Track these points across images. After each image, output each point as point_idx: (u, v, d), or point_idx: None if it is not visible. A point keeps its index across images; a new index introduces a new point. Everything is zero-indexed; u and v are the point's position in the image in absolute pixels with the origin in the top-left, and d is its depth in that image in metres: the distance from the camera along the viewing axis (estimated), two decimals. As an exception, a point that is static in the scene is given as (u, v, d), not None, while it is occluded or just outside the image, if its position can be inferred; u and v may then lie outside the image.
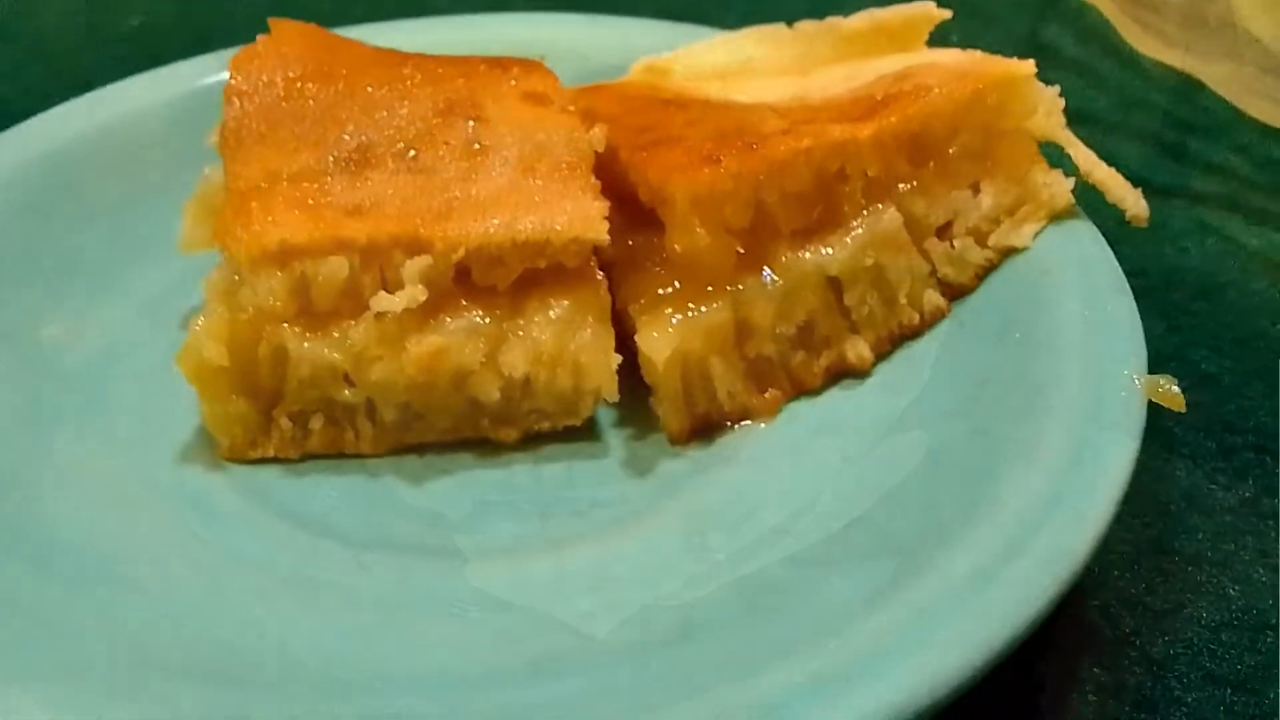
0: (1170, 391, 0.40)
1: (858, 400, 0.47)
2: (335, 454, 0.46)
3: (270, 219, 0.44)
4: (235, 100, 0.49)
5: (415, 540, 0.42)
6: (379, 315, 0.44)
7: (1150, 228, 0.50)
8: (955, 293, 0.49)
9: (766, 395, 0.47)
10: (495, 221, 0.44)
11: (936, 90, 0.47)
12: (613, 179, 0.49)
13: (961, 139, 0.48)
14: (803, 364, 0.48)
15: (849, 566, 0.39)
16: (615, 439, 0.48)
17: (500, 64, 0.53)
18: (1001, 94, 0.48)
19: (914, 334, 0.49)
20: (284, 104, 0.49)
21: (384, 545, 0.42)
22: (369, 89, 0.50)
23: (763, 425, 0.47)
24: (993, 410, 0.42)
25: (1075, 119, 0.50)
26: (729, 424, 0.47)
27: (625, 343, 0.46)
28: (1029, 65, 0.48)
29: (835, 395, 0.48)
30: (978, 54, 0.50)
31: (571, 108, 0.51)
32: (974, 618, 0.34)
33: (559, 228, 0.45)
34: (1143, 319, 0.43)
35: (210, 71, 0.61)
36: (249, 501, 0.44)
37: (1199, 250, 0.64)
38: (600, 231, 0.45)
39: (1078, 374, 0.41)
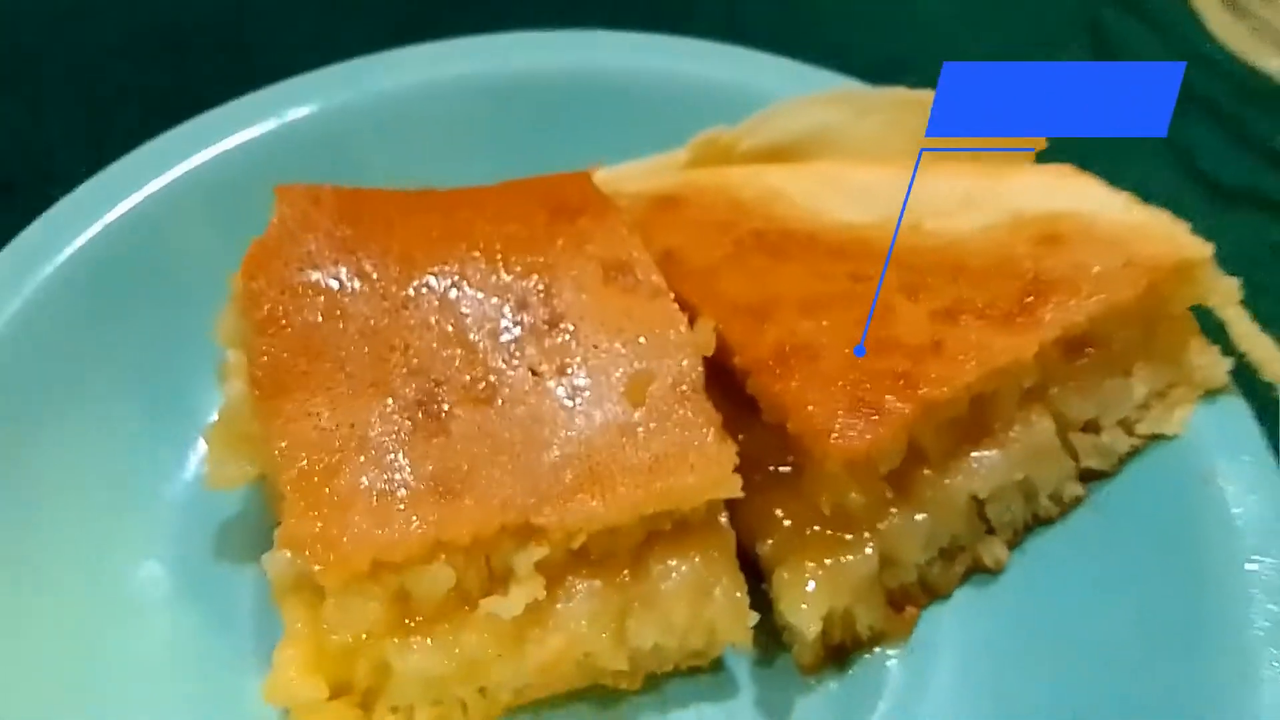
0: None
1: (993, 611, 0.44)
2: (443, 729, 0.42)
3: (350, 519, 0.36)
4: (262, 328, 0.39)
5: None
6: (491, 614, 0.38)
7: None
8: (1094, 478, 0.45)
9: (902, 615, 0.44)
10: (616, 492, 0.38)
11: (1109, 296, 0.40)
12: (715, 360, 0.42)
13: (1126, 331, 0.42)
14: (940, 575, 0.44)
15: None
16: (740, 666, 0.44)
17: (563, 211, 0.44)
18: (1175, 284, 0.42)
19: (1047, 522, 0.45)
20: (321, 325, 0.40)
21: None
22: (422, 291, 0.41)
23: (896, 653, 0.44)
24: (1145, 670, 0.40)
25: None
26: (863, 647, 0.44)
27: (744, 553, 0.42)
28: (1206, 249, 0.42)
29: (968, 602, 0.45)
30: (1134, 209, 0.44)
31: (666, 291, 0.42)
32: None
33: (690, 489, 0.38)
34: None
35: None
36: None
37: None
38: (735, 487, 0.39)
39: (1256, 662, 0.38)
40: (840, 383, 0.39)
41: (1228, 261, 0.49)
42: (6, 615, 0.41)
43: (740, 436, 0.42)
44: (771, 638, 0.43)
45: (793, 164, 0.50)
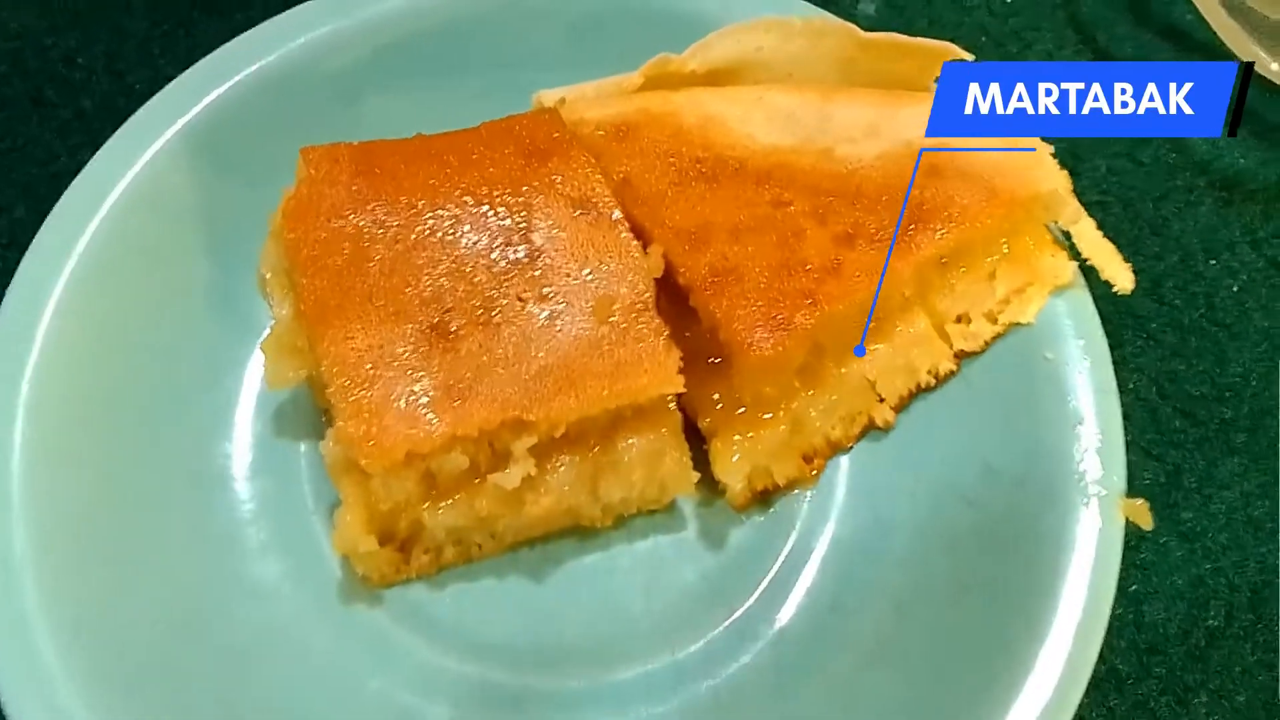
0: (1142, 511, 0.51)
1: (878, 460, 0.57)
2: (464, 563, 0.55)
3: (386, 422, 0.48)
4: (306, 271, 0.50)
5: (561, 654, 0.53)
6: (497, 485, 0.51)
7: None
8: (966, 356, 0.57)
9: (811, 466, 0.57)
10: (588, 392, 0.49)
11: (972, 225, 0.51)
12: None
13: (988, 248, 0.53)
14: (841, 434, 0.57)
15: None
16: (688, 506, 0.57)
17: (535, 153, 0.53)
18: (1028, 211, 0.52)
19: (927, 390, 0.58)
20: (349, 266, 0.50)
21: (538, 665, 0.53)
22: (426, 233, 0.51)
23: (808, 493, 0.57)
24: (996, 503, 0.53)
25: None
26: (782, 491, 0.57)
27: (689, 423, 0.54)
28: (1054, 183, 0.52)
29: (861, 452, 0.58)
30: (1002, 143, 0.53)
31: (624, 222, 0.52)
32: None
33: (643, 388, 0.50)
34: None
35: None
36: (413, 633, 0.53)
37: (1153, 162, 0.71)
38: (679, 385, 0.50)
39: (1073, 498, 0.52)
40: (759, 301, 0.50)
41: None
42: (115, 486, 0.54)
43: (686, 334, 0.53)
44: (713, 485, 0.56)
45: (729, 88, 0.59)
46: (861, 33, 0.58)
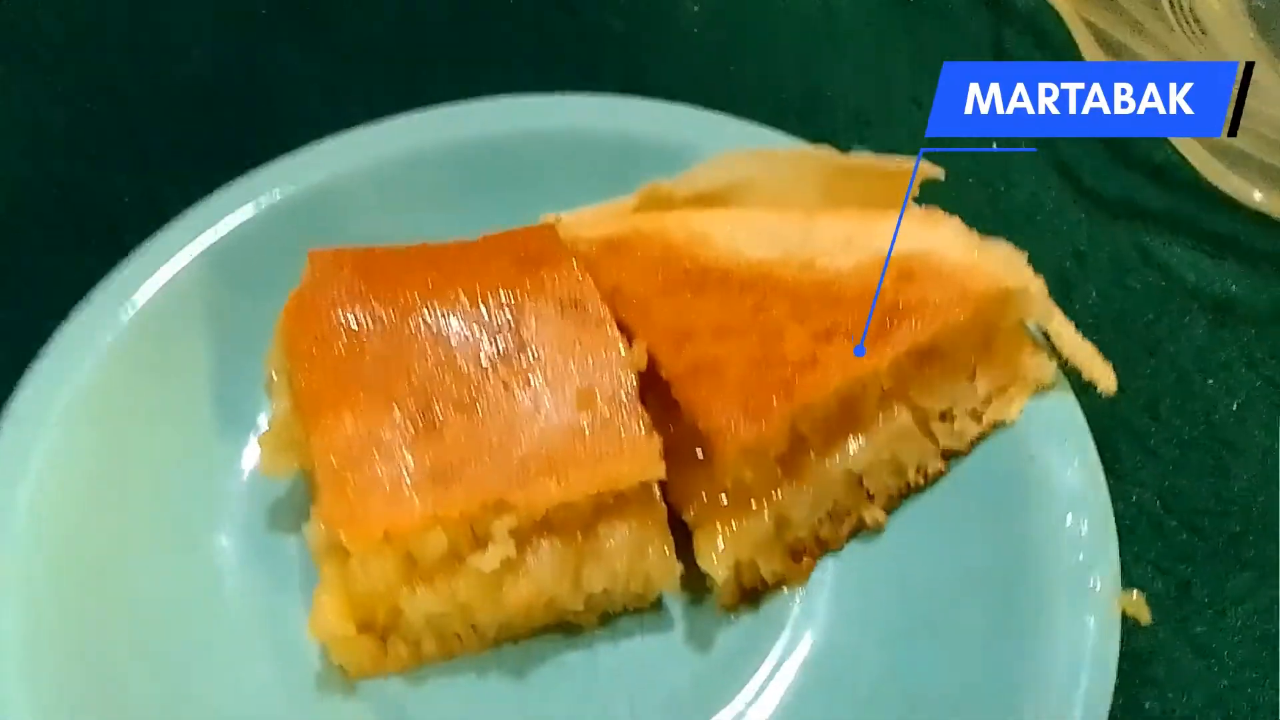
0: (1139, 604, 0.50)
1: (868, 559, 0.57)
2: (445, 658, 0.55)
3: (369, 502, 0.49)
4: (303, 363, 0.52)
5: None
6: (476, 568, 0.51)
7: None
8: (953, 455, 0.57)
9: (800, 564, 0.56)
10: (570, 478, 0.50)
11: (945, 320, 0.53)
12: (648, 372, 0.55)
13: (964, 344, 0.54)
14: (829, 533, 0.56)
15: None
16: (675, 607, 0.57)
17: (529, 262, 0.56)
18: (1004, 304, 0.54)
19: (917, 490, 0.58)
20: (345, 359, 0.53)
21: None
22: (420, 329, 0.54)
23: (798, 593, 0.56)
24: (990, 610, 0.53)
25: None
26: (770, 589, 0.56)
27: (675, 518, 0.55)
28: (1021, 282, 0.54)
29: (851, 552, 0.57)
30: (975, 250, 0.55)
31: (605, 311, 0.55)
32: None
33: (625, 474, 0.51)
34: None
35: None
36: (394, 730, 0.52)
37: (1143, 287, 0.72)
38: (660, 471, 0.51)
39: (1065, 592, 0.51)
40: (738, 392, 0.52)
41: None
42: (113, 576, 0.55)
43: (671, 429, 0.55)
44: (701, 584, 0.56)
45: (717, 209, 0.62)
46: (843, 158, 0.61)
